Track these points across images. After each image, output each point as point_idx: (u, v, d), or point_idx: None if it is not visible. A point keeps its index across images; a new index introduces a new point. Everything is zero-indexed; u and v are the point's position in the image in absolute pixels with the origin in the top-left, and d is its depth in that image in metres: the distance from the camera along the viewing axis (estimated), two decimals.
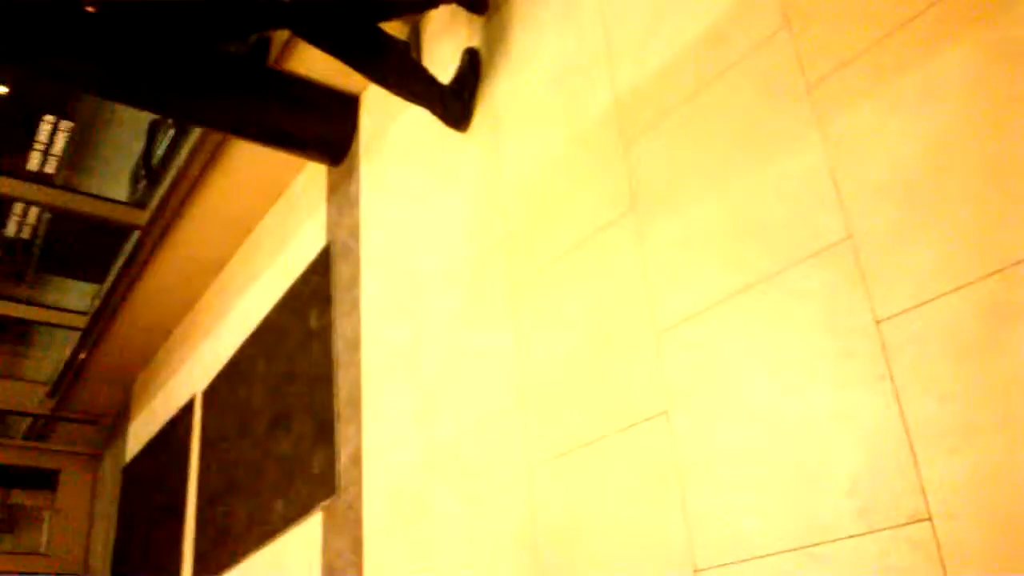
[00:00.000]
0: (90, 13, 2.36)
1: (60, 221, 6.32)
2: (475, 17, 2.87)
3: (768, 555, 1.58)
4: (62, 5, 2.41)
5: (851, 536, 1.45)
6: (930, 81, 1.50)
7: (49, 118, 5.56)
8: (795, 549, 1.53)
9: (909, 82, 1.53)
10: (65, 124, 5.57)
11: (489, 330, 2.49)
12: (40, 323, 6.66)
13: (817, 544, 1.50)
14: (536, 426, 2.23)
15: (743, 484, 1.65)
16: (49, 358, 6.72)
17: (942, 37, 1.50)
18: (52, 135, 5.64)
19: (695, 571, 1.71)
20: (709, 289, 1.82)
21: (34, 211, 6.72)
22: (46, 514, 7.18)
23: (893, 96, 1.55)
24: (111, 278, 5.29)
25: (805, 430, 1.56)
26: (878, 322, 1.49)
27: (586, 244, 2.20)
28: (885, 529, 1.41)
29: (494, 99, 2.71)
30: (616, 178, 2.15)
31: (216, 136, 3.83)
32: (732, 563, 1.64)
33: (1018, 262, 1.31)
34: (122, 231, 4.99)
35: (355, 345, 3.28)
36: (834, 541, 1.48)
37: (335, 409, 3.33)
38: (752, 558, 1.61)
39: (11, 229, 7.43)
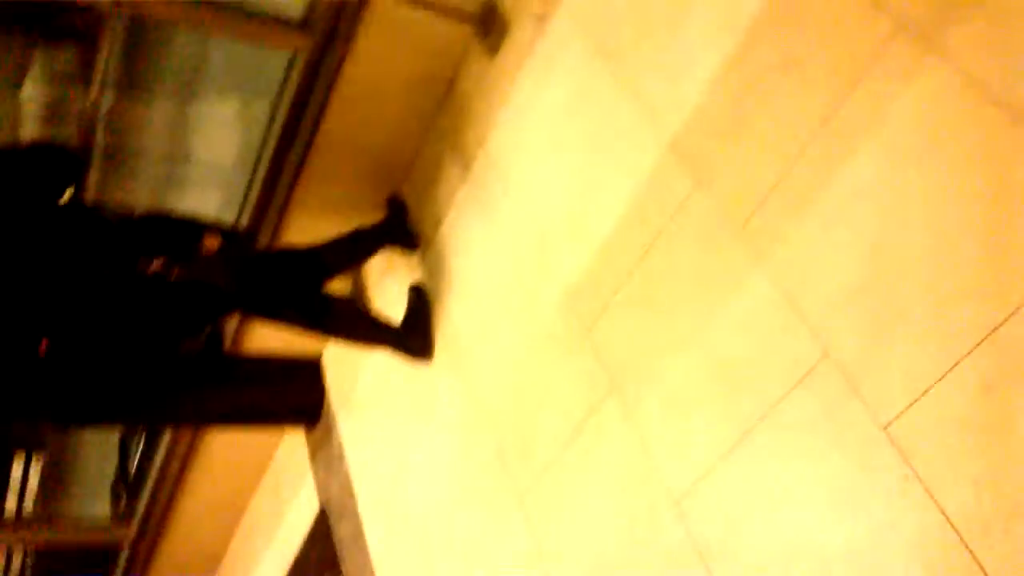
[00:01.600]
0: (44, 348, 2.41)
1: (45, 558, 6.11)
2: (411, 255, 2.99)
3: None
4: (16, 349, 2.46)
5: None
6: (844, 192, 1.60)
7: (20, 454, 5.51)
8: None
9: (827, 197, 1.62)
10: (37, 457, 5.51)
11: (508, 545, 2.43)
12: None
13: None
14: None
15: None
16: None
17: (840, 153, 1.61)
18: (25, 471, 5.56)
19: None
20: (710, 445, 1.82)
21: (18, 556, 6.50)
22: None
23: (818, 214, 1.64)
24: None
25: (853, 554, 1.52)
26: (884, 427, 1.49)
27: (579, 435, 2.20)
28: None
29: (450, 323, 2.78)
30: (587, 364, 2.18)
31: (187, 431, 3.82)
32: None
33: (994, 329, 1.34)
34: (112, 551, 4.83)
35: None
36: None
37: None
38: None
39: None
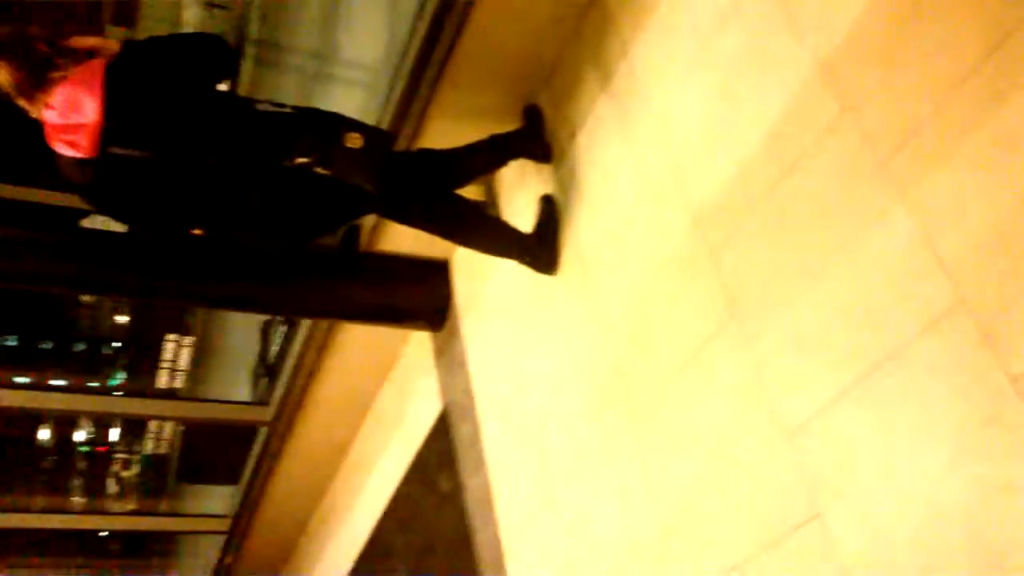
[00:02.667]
0: (198, 236, 2.55)
1: (192, 431, 6.64)
2: (544, 167, 3.00)
3: None
4: (172, 235, 2.61)
5: None
6: (1000, 132, 1.49)
7: (172, 336, 5.96)
8: None
9: (980, 138, 1.52)
10: (187, 340, 5.96)
11: (618, 462, 2.46)
12: (185, 532, 6.86)
13: None
14: (683, 555, 2.16)
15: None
16: (198, 566, 6.87)
17: (998, 91, 1.50)
18: (176, 352, 6.04)
19: None
20: (830, 381, 1.77)
21: (167, 426, 7.11)
22: None
23: (968, 154, 1.54)
24: (246, 478, 5.44)
25: (971, 508, 1.47)
26: (1014, 380, 1.42)
27: (695, 360, 2.19)
28: None
29: (578, 238, 2.79)
30: (711, 290, 2.15)
31: (324, 324, 4.01)
32: None
33: None
34: (250, 431, 5.17)
35: (487, 503, 3.27)
36: None
37: (479, 574, 3.29)
38: None
39: (148, 446, 7.87)
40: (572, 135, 2.86)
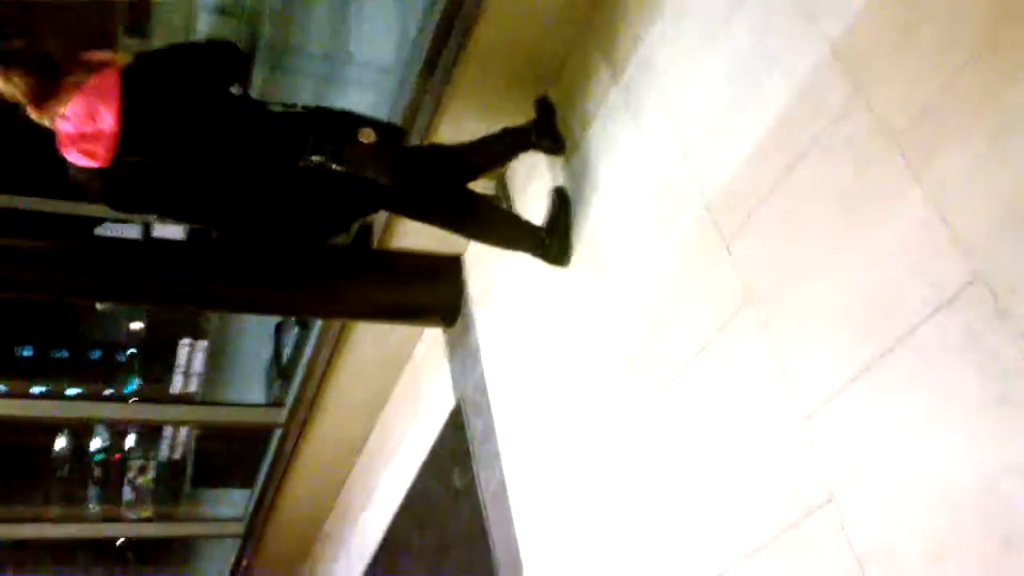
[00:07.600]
0: (213, 239, 2.56)
1: (206, 435, 6.67)
2: (556, 159, 3.01)
3: None
4: (191, 241, 2.62)
5: None
6: (1011, 108, 1.49)
7: (186, 341, 6.01)
8: None
9: (991, 114, 1.52)
10: (201, 343, 6.00)
11: (633, 453, 2.47)
12: (200, 537, 6.89)
13: None
14: (700, 541, 2.16)
15: (936, 559, 1.55)
16: (216, 570, 6.89)
17: (1010, 66, 1.50)
18: (190, 356, 6.08)
19: None
20: (845, 363, 1.77)
21: (182, 431, 7.14)
22: None
23: (983, 129, 1.54)
24: (260, 481, 5.46)
25: (986, 491, 1.46)
26: None
27: (710, 347, 2.19)
28: None
29: (589, 229, 2.80)
30: (725, 275, 2.16)
31: (336, 324, 4.03)
32: None
33: None
34: (265, 433, 5.19)
35: (502, 498, 3.27)
36: None
37: (495, 569, 3.29)
38: None
39: (163, 452, 7.91)
40: (584, 126, 2.87)
